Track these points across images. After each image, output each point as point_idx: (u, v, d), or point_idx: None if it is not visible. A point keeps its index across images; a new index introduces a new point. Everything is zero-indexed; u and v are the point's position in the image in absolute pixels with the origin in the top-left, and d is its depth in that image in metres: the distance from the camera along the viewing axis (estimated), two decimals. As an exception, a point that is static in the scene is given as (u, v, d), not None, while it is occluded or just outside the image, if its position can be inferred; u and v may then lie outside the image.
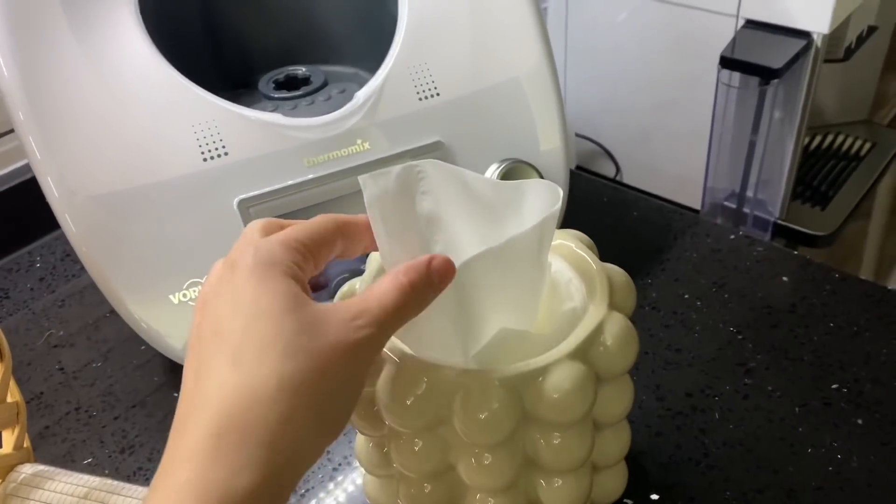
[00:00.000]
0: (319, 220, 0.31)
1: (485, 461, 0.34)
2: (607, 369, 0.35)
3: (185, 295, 0.47)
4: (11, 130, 0.69)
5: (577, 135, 1.00)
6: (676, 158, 0.94)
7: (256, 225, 0.31)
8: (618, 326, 0.35)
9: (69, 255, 0.67)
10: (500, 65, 0.54)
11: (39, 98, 0.45)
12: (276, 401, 0.25)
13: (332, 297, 0.41)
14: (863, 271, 1.45)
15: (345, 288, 0.38)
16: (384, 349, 0.33)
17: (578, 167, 1.02)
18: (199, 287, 0.46)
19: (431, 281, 0.30)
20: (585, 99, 0.99)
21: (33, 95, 0.45)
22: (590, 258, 0.38)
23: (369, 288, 0.29)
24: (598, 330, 0.34)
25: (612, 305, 0.36)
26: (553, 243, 0.39)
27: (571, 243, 0.39)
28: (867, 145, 1.01)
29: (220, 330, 0.27)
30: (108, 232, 0.46)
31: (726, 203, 0.88)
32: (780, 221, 0.88)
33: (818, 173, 0.96)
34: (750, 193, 0.85)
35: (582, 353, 0.34)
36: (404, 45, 0.52)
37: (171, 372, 0.54)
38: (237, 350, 0.26)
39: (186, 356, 0.29)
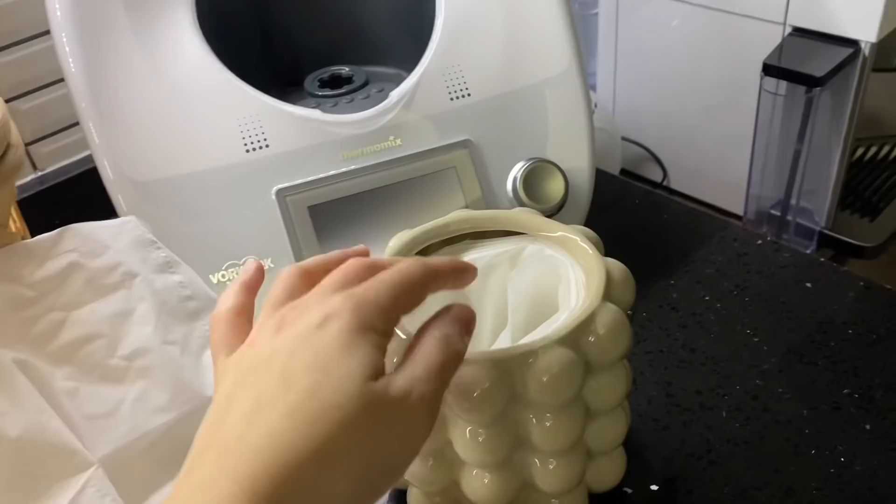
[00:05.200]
0: (412, 275, 0.30)
1: (479, 437, 0.36)
2: (599, 357, 0.37)
3: (223, 276, 0.50)
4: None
5: (625, 139, 1.01)
6: (722, 163, 0.94)
7: (298, 271, 0.32)
8: (609, 317, 0.37)
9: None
10: (531, 68, 0.56)
11: (99, 89, 0.50)
12: (319, 473, 0.26)
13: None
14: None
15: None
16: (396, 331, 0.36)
17: (625, 171, 1.03)
18: (237, 268, 0.50)
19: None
20: (634, 104, 1.00)
21: (94, 86, 0.50)
22: (591, 252, 0.40)
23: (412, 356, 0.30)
24: (590, 319, 0.36)
25: (608, 297, 0.38)
26: (557, 235, 0.42)
27: (577, 237, 0.41)
28: (926, 157, 0.99)
29: (290, 375, 0.27)
30: (155, 213, 0.50)
31: (771, 211, 0.88)
32: (825, 231, 0.88)
33: (870, 184, 0.95)
34: (794, 202, 0.85)
35: (571, 340, 0.36)
36: (439, 48, 0.55)
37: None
38: (299, 406, 0.26)
39: (227, 367, 0.30)
